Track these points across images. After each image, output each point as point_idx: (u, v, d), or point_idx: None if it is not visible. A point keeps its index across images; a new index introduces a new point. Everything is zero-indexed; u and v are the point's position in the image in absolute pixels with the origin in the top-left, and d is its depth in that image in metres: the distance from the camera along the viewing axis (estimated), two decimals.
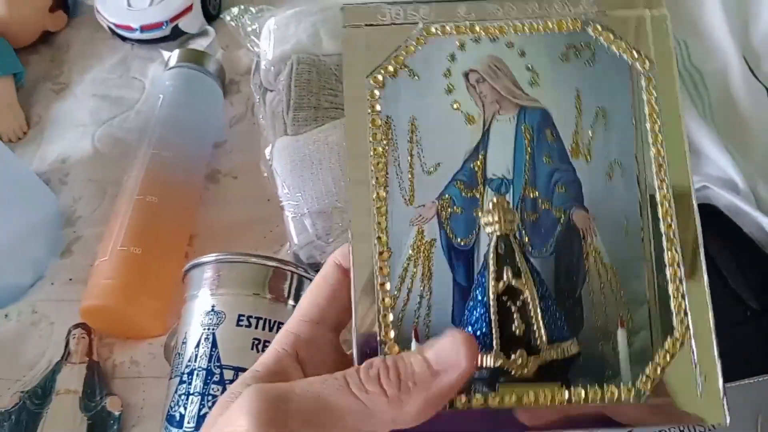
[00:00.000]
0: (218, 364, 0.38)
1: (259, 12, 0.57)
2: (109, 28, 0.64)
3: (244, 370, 0.37)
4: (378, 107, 0.28)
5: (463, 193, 0.28)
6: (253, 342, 0.39)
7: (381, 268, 0.27)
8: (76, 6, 0.68)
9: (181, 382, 0.39)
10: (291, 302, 0.41)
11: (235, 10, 0.59)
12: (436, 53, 0.29)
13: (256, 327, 0.39)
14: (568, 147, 0.28)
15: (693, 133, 0.50)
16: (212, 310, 0.40)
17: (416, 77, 0.29)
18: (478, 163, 0.28)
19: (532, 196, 0.28)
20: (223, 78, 0.59)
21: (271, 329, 0.39)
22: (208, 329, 0.39)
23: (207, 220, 0.54)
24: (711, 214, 0.47)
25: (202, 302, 0.40)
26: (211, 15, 0.65)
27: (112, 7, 0.63)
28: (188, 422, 0.38)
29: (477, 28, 0.29)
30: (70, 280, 0.51)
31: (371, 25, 0.29)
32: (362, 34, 0.29)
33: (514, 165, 0.28)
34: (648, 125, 0.28)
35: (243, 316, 0.39)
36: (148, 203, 0.49)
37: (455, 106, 0.28)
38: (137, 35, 0.63)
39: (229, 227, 0.53)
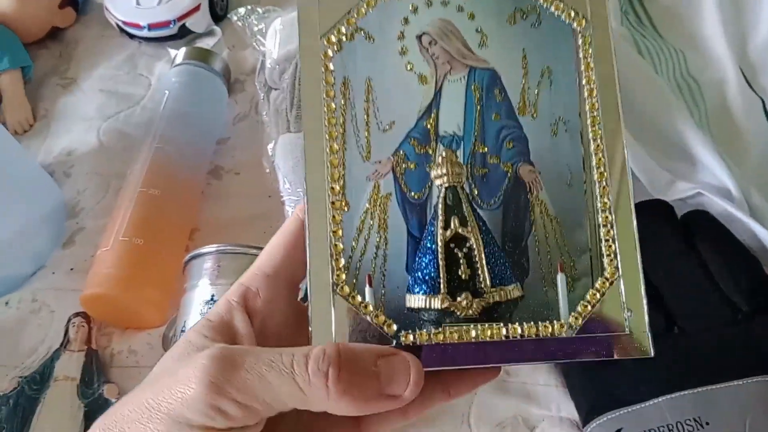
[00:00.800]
0: None
1: (265, 12, 0.59)
2: (118, 26, 0.65)
3: None
4: (331, 66, 0.29)
5: (417, 150, 0.29)
6: None
7: (333, 217, 0.28)
8: (86, 3, 0.69)
9: None
10: None
11: (242, 10, 0.60)
12: (390, 16, 0.30)
13: None
14: (516, 105, 0.30)
15: (689, 141, 0.51)
16: (212, 299, 0.40)
17: (372, 39, 0.30)
18: (431, 120, 0.29)
19: (481, 151, 0.29)
20: (228, 76, 0.60)
21: None
22: None
23: (208, 215, 0.55)
24: (704, 217, 0.48)
25: (201, 292, 0.41)
26: (218, 15, 0.66)
27: (121, 4, 0.64)
28: None
29: None
30: (72, 269, 0.52)
31: None
32: (315, 7, 0.30)
33: (464, 122, 0.30)
34: (584, 81, 0.30)
35: None
36: (150, 196, 0.49)
37: (409, 67, 0.30)
38: (145, 33, 0.64)
39: (230, 222, 0.54)
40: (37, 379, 0.45)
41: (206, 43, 0.64)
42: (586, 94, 0.30)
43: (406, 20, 0.30)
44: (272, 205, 0.53)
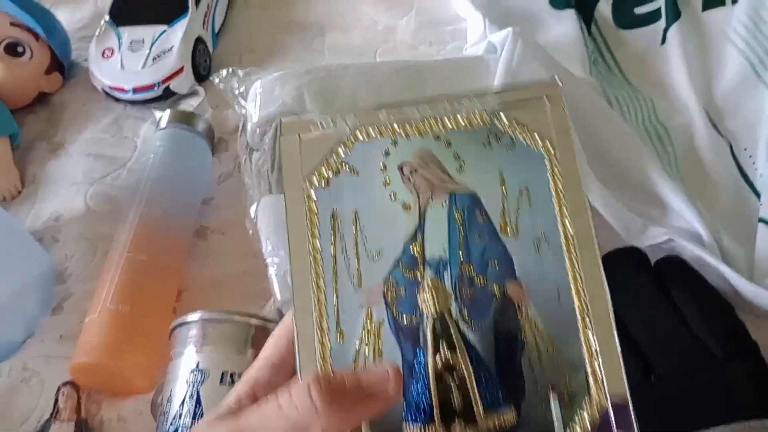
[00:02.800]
0: None
1: (246, 75, 0.60)
2: (103, 90, 0.66)
3: None
4: (315, 207, 0.31)
5: (406, 275, 0.30)
6: None
7: (324, 353, 0.29)
8: (72, 67, 0.71)
9: None
10: None
11: (223, 72, 0.62)
12: (372, 150, 0.32)
13: None
14: (497, 225, 0.31)
15: (659, 187, 0.53)
16: (197, 367, 0.41)
17: (356, 173, 0.32)
18: (417, 246, 0.31)
19: (468, 273, 0.30)
20: (212, 137, 0.62)
21: None
22: (193, 387, 0.41)
23: (195, 276, 0.56)
24: (677, 264, 0.49)
25: (187, 360, 0.42)
26: (201, 75, 0.68)
27: (106, 69, 0.66)
28: None
29: (398, 130, 0.32)
30: (60, 337, 0.53)
31: (305, 133, 0.32)
32: (297, 142, 0.32)
33: (449, 245, 0.31)
34: (556, 204, 0.31)
35: (226, 373, 0.41)
36: (137, 261, 0.50)
37: (393, 196, 0.32)
38: (130, 96, 0.65)
39: (216, 282, 0.55)
40: None
41: (190, 103, 0.66)
42: (558, 217, 0.31)
43: (387, 152, 0.32)
44: (258, 264, 0.54)
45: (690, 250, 0.50)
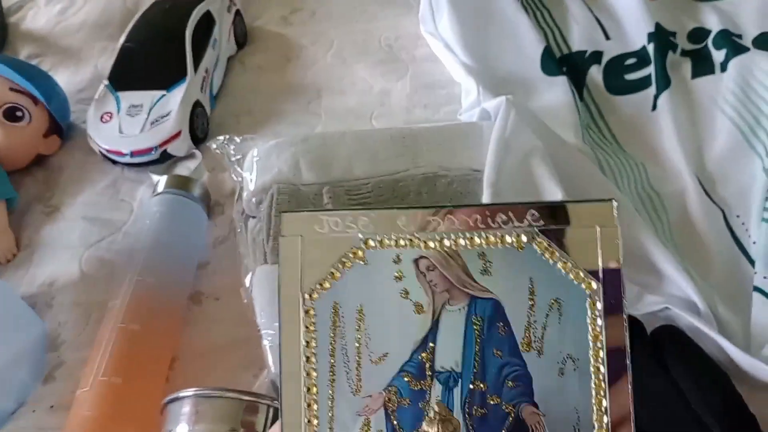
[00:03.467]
0: None
1: (243, 141, 0.61)
2: (101, 153, 0.67)
3: None
4: (312, 327, 0.28)
5: (411, 385, 0.28)
6: None
7: None
8: (70, 129, 0.72)
9: None
10: None
11: (220, 138, 0.62)
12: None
13: None
14: (520, 340, 0.28)
15: (653, 256, 0.53)
16: None
17: (365, 262, 0.28)
18: (427, 354, 0.28)
19: (480, 389, 0.28)
20: (208, 201, 0.62)
21: None
22: None
23: (189, 342, 0.55)
24: (673, 334, 0.49)
25: None
26: (199, 138, 0.68)
27: (104, 133, 0.66)
28: None
29: (416, 242, 0.29)
30: (51, 407, 0.52)
31: (309, 235, 0.29)
32: (298, 246, 0.29)
33: (463, 357, 0.28)
34: (590, 329, 0.28)
35: None
36: (131, 331, 0.50)
37: (404, 294, 0.28)
38: (127, 159, 0.66)
39: (210, 350, 0.54)
40: None
41: (187, 166, 0.66)
42: (592, 343, 0.28)
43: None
44: (251, 332, 0.54)
45: (686, 319, 0.50)
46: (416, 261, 0.28)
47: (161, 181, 0.61)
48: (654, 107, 0.64)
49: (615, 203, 0.28)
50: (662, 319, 0.51)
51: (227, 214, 0.63)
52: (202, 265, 0.60)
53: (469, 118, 0.63)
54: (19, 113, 0.66)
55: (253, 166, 0.57)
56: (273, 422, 0.43)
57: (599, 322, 0.28)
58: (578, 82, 0.66)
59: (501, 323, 0.28)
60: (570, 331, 0.28)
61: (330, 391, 0.28)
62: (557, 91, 0.64)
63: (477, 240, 0.28)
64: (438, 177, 0.55)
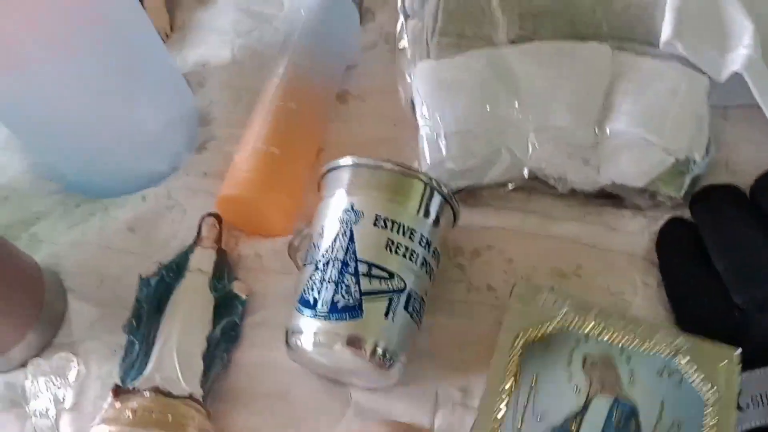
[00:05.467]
0: (354, 257, 0.40)
1: None
2: None
3: (377, 266, 0.40)
4: (516, 372, 0.39)
5: None
6: (387, 242, 0.41)
7: None
8: None
9: (316, 269, 0.41)
10: (422, 212, 0.42)
11: None
12: (568, 336, 0.40)
13: (391, 229, 0.41)
14: None
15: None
16: (351, 208, 0.42)
17: (548, 342, 0.39)
18: (575, 425, 0.37)
19: None
20: (360, 2, 0.61)
21: (404, 234, 0.41)
22: (346, 225, 0.41)
23: (334, 137, 0.56)
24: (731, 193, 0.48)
25: (340, 200, 0.43)
26: None
27: None
28: (321, 306, 0.40)
29: (600, 332, 0.40)
30: (205, 173, 0.54)
31: (530, 304, 0.40)
32: (521, 310, 0.41)
33: None
34: None
35: (380, 216, 0.41)
36: (288, 109, 0.51)
37: (569, 375, 0.39)
38: None
39: (354, 144, 0.55)
40: (174, 269, 0.47)
41: None
42: None
43: (579, 340, 0.40)
44: (398, 133, 0.54)
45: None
46: (584, 358, 0.39)
47: None
48: None
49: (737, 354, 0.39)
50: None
51: (377, 21, 0.62)
52: (350, 68, 0.59)
53: None
54: None
55: None
56: (427, 202, 0.43)
57: (712, 424, 0.37)
58: None
59: (634, 422, 0.37)
60: None
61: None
62: None
63: (637, 340, 0.40)
64: None
